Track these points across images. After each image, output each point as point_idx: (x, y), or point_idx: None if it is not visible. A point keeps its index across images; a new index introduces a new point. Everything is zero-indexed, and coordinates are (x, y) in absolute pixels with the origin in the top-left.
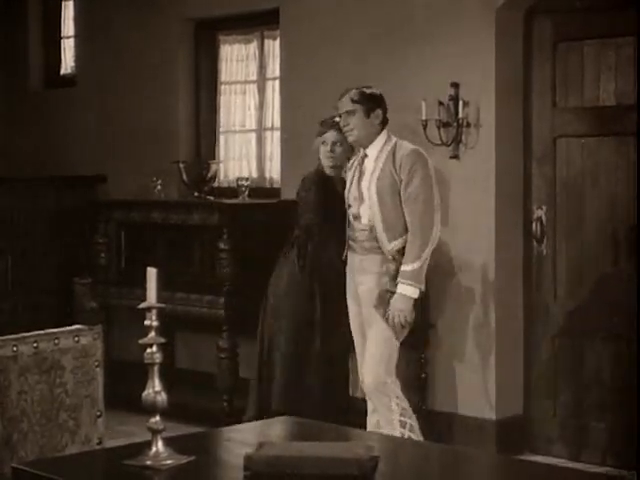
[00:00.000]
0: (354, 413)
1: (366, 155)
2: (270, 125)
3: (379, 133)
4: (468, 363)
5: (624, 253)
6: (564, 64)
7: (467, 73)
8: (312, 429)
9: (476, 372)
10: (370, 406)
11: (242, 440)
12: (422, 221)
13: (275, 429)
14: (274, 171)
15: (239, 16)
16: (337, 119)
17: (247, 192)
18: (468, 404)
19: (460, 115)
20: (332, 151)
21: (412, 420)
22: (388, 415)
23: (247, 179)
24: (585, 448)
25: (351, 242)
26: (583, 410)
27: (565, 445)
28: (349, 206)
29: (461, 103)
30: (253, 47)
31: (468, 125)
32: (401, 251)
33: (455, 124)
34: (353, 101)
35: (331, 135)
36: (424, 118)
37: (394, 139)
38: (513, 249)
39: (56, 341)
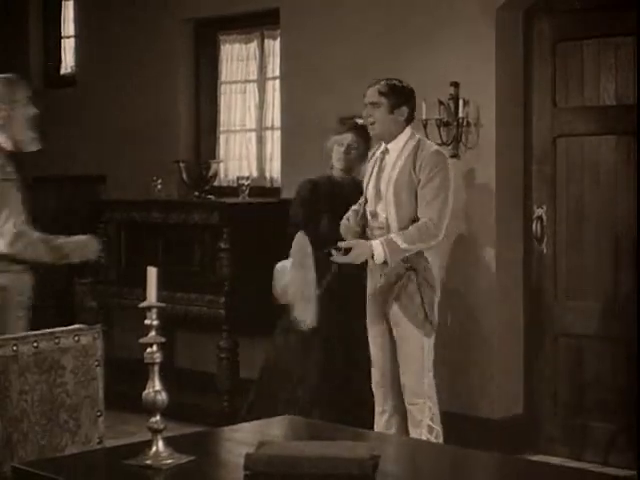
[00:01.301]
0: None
1: (387, 150)
2: (270, 124)
3: (402, 130)
4: (469, 363)
5: (624, 252)
6: (564, 64)
7: (467, 72)
8: (312, 428)
9: (477, 372)
10: (378, 408)
11: (242, 440)
12: (433, 221)
13: (275, 429)
14: (274, 170)
15: (239, 16)
16: (359, 121)
17: (247, 191)
18: (469, 403)
19: (460, 114)
20: (347, 153)
21: (439, 428)
22: (418, 416)
23: (247, 178)
24: (586, 448)
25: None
26: (584, 410)
27: (566, 445)
28: (365, 201)
29: (461, 102)
30: (253, 47)
31: (468, 124)
32: (418, 253)
33: (455, 123)
34: (380, 93)
35: (348, 137)
36: (424, 117)
37: (417, 137)
38: (513, 248)
39: (56, 341)
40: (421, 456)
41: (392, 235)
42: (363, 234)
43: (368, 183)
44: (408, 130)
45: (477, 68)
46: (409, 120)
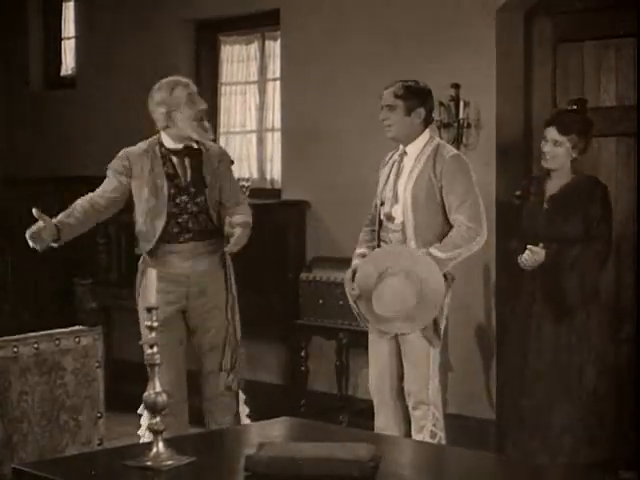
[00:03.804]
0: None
1: (405, 152)
2: (271, 126)
3: (421, 132)
4: (469, 363)
5: (624, 253)
6: (564, 65)
7: (468, 74)
8: (313, 430)
9: (477, 372)
10: (377, 411)
11: (242, 441)
12: (467, 225)
13: (276, 429)
14: (275, 172)
15: (240, 17)
16: (569, 107)
17: (248, 193)
18: (469, 404)
19: (461, 116)
20: (550, 151)
21: (442, 433)
22: (421, 421)
23: (248, 180)
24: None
25: (382, 244)
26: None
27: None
28: (382, 204)
29: (462, 104)
30: (254, 48)
31: (469, 126)
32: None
33: (456, 125)
34: (396, 96)
35: (550, 132)
36: None
37: (436, 139)
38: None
39: (57, 342)
40: (421, 457)
41: (429, 249)
42: (373, 240)
43: (385, 186)
44: (427, 132)
45: (478, 69)
46: (427, 121)
